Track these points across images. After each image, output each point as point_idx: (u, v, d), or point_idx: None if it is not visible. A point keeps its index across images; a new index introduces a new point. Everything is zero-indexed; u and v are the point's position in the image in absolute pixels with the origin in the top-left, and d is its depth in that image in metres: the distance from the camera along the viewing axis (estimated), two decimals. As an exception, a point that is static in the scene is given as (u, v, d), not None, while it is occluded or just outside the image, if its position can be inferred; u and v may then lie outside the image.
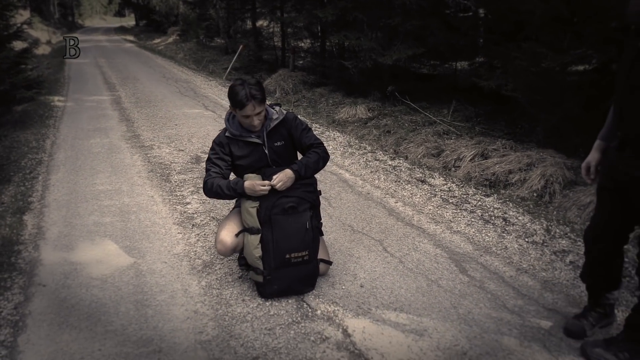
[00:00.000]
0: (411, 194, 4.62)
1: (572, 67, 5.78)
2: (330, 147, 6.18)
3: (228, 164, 2.98)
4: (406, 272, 3.18)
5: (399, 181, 4.96)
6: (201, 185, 4.58)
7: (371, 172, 5.28)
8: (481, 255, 3.41)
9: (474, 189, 4.70)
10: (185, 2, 23.16)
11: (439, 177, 5.05)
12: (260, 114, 2.85)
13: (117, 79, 12.72)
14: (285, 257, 2.81)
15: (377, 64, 8.09)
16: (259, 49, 14.59)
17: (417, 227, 3.87)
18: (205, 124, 7.48)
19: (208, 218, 4.07)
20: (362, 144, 6.39)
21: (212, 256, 3.43)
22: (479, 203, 4.36)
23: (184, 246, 3.60)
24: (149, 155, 5.91)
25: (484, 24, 8.48)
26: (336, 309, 2.79)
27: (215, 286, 3.05)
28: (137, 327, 2.67)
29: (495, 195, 4.54)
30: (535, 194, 4.54)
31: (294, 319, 2.71)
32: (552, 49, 5.12)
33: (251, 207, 2.83)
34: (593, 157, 2.46)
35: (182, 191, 4.69)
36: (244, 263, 3.11)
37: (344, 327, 2.63)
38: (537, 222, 3.92)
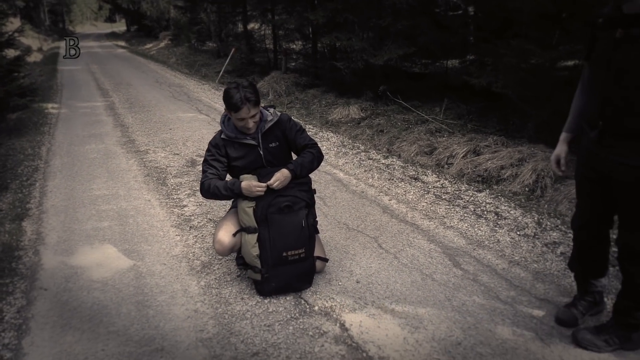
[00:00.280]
0: (405, 191, 4.69)
1: (561, 63, 5.87)
2: (324, 147, 6.25)
3: (224, 165, 3.04)
4: (401, 267, 3.25)
5: (393, 179, 5.03)
6: (197, 188, 4.65)
7: (365, 171, 5.35)
8: (474, 249, 3.48)
9: (467, 185, 4.78)
10: (176, 7, 23.22)
11: (432, 174, 5.12)
12: (255, 116, 2.92)
13: (110, 84, 12.75)
14: (282, 255, 2.87)
15: (368, 64, 8.16)
16: (251, 52, 14.65)
17: (411, 224, 3.95)
18: (199, 127, 7.53)
19: (205, 220, 4.13)
20: (355, 144, 6.46)
21: (210, 257, 3.49)
22: (472, 198, 4.43)
23: (182, 248, 3.66)
24: (144, 159, 5.96)
25: (473, 22, 8.57)
26: (333, 304, 2.86)
27: (214, 286, 3.11)
28: (139, 327, 2.73)
29: (488, 190, 4.62)
30: (527, 189, 4.62)
31: (293, 315, 2.77)
32: (541, 46, 5.21)
33: (248, 207, 2.90)
34: (562, 149, 2.58)
35: (178, 194, 4.75)
36: (241, 263, 3.18)
37: (342, 322, 2.69)
38: (529, 216, 4.00)
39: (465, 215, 4.09)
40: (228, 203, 3.60)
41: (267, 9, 12.92)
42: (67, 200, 4.70)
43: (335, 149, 6.25)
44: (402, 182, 4.93)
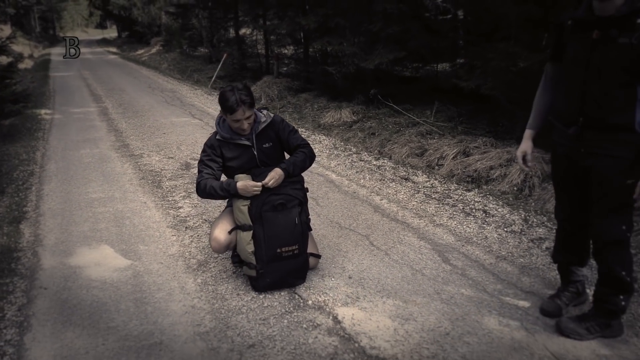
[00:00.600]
0: (395, 191, 4.80)
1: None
2: (317, 149, 6.34)
3: (219, 166, 3.14)
4: (392, 263, 3.36)
5: (384, 180, 5.14)
6: (192, 190, 4.74)
7: (356, 172, 5.46)
8: (463, 246, 3.59)
9: (456, 185, 4.90)
10: (167, 13, 23.27)
11: (422, 175, 5.24)
12: (249, 118, 3.02)
13: (103, 90, 12.81)
14: (277, 251, 2.97)
15: (360, 68, 8.28)
16: (243, 57, 14.75)
17: (401, 222, 4.05)
18: (193, 131, 7.61)
19: (201, 220, 4.21)
20: (347, 146, 6.57)
21: (206, 255, 3.57)
22: (461, 197, 4.55)
23: (178, 247, 3.74)
24: (139, 163, 6.04)
25: (463, 26, 8.72)
26: (326, 298, 2.95)
27: (210, 283, 3.20)
28: (138, 322, 2.80)
29: (477, 190, 4.74)
30: (515, 188, 4.74)
31: (287, 309, 2.86)
32: (529, 49, 5.34)
33: (243, 206, 2.99)
34: (527, 145, 2.73)
35: (174, 196, 4.83)
36: (237, 260, 3.27)
37: (334, 315, 2.79)
38: (516, 213, 4.12)
39: (454, 213, 4.20)
40: (223, 205, 3.69)
41: (258, 14, 13.02)
42: (64, 203, 4.77)
43: (328, 152, 6.35)
44: (393, 183, 5.04)
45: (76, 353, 2.56)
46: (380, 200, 4.58)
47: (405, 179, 5.12)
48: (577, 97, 2.38)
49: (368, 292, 3.00)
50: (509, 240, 3.65)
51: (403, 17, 8.01)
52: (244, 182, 2.98)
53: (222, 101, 2.97)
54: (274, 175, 2.97)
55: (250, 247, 2.98)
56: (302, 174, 3.21)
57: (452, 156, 5.65)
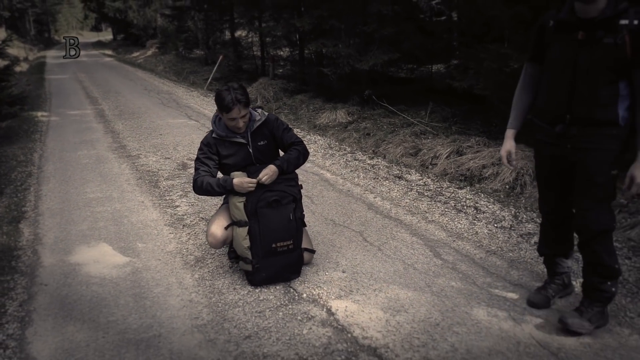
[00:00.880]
0: (389, 189, 4.89)
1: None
2: (312, 149, 6.43)
3: (216, 163, 3.23)
4: (384, 258, 3.44)
5: (378, 178, 5.23)
6: (189, 190, 4.81)
7: (351, 171, 5.55)
8: (454, 241, 3.68)
9: (449, 183, 4.99)
10: (163, 15, 23.36)
11: (416, 174, 5.33)
12: (245, 116, 3.11)
13: (99, 92, 12.87)
14: (272, 246, 3.05)
15: (354, 69, 8.37)
16: (239, 59, 14.83)
17: (394, 219, 4.14)
18: (189, 132, 7.68)
19: (197, 218, 4.29)
20: (342, 146, 6.66)
21: (203, 252, 3.65)
22: (453, 195, 4.64)
23: (176, 244, 3.81)
24: (136, 164, 6.11)
25: (457, 27, 8.82)
26: (320, 292, 3.04)
27: (207, 278, 3.27)
28: (137, 316, 2.88)
29: (469, 187, 4.83)
30: (507, 186, 4.83)
31: (282, 302, 2.94)
32: (519, 50, 5.43)
33: (238, 202, 3.08)
34: (511, 144, 2.83)
35: (171, 195, 4.90)
36: (233, 256, 3.35)
37: (328, 307, 2.87)
38: (506, 210, 4.21)
39: (446, 210, 4.29)
40: (219, 204, 3.77)
41: (254, 16, 13.11)
42: (62, 203, 4.84)
43: (323, 151, 6.44)
44: (387, 181, 5.13)
45: (77, 346, 2.63)
46: (374, 198, 4.67)
47: (399, 178, 5.21)
48: (564, 95, 2.48)
49: (361, 286, 3.09)
50: (498, 236, 3.74)
51: (397, 18, 8.11)
52: (239, 179, 3.06)
53: (219, 100, 3.06)
54: (268, 172, 3.06)
55: (246, 243, 3.06)
56: (297, 173, 3.30)
57: (445, 155, 5.74)
